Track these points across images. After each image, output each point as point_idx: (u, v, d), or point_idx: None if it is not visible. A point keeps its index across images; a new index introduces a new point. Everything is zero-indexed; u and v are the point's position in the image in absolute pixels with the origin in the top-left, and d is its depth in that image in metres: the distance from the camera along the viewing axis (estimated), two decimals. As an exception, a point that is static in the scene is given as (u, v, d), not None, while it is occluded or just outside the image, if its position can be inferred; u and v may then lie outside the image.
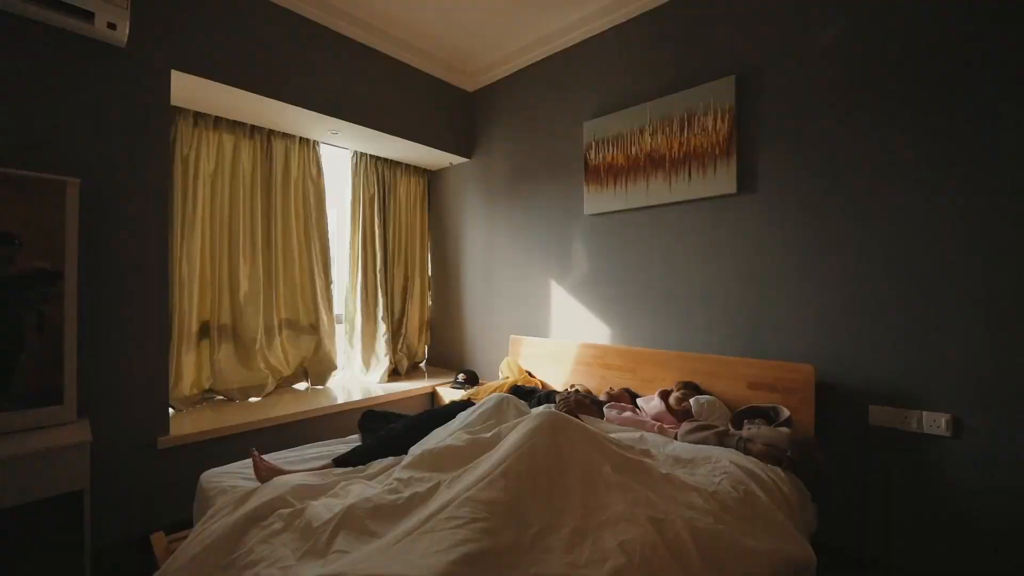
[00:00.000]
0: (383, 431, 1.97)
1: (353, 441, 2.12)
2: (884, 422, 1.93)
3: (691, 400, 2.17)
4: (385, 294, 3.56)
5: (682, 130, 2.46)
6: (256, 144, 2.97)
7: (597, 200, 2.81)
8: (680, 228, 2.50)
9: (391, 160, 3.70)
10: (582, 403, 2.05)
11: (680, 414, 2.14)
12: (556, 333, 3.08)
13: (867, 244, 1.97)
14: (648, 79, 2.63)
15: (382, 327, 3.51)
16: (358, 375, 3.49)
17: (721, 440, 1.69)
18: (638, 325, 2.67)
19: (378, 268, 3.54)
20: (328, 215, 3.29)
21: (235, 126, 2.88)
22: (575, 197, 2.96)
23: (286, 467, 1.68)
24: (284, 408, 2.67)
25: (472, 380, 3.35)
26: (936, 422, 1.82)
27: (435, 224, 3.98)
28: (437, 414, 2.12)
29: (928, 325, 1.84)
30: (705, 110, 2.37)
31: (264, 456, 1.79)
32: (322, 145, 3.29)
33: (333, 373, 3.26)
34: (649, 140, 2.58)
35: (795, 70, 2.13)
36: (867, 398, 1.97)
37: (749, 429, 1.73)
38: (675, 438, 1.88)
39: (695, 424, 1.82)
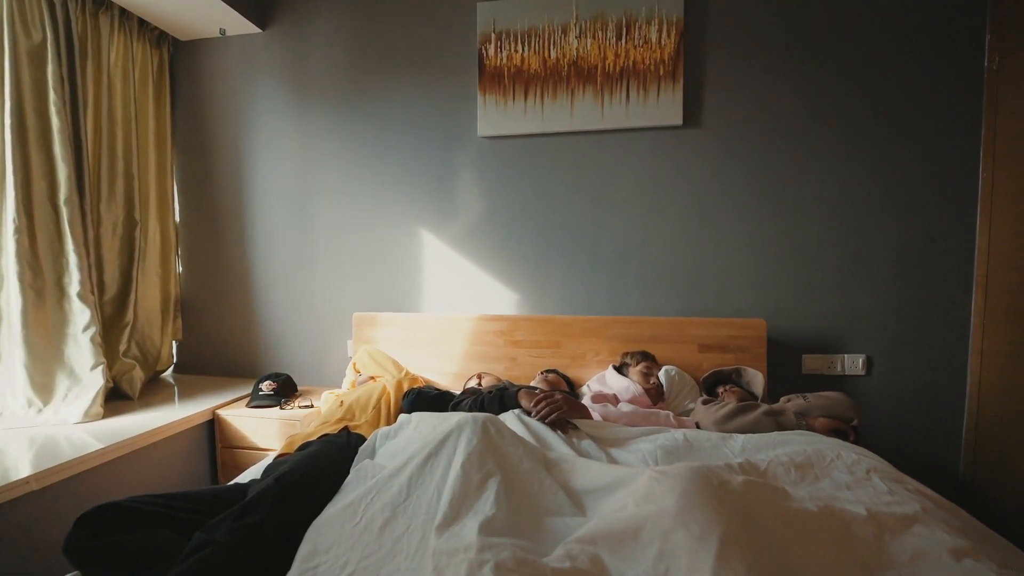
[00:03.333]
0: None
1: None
2: (814, 369, 1.94)
3: (660, 373, 1.74)
4: (85, 249, 1.83)
5: (619, 38, 1.94)
6: None
7: (498, 117, 2.04)
8: (613, 163, 2.01)
9: (85, -10, 1.91)
10: (573, 401, 1.32)
11: (652, 393, 1.68)
12: (432, 305, 2.18)
13: (801, 195, 1.91)
14: (574, -39, 2.00)
15: (81, 312, 1.80)
16: (22, 416, 1.70)
17: (777, 420, 1.30)
18: (557, 287, 2.07)
19: (63, 197, 1.78)
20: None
21: None
22: (463, 110, 2.09)
23: None
24: None
25: (287, 389, 2.08)
26: (855, 363, 1.92)
27: (188, 132, 2.34)
28: (302, 480, 1.01)
29: (850, 274, 1.90)
30: (648, 17, 1.91)
31: None
32: None
33: (-57, 420, 1.45)
34: (575, 44, 1.97)
35: (743, -8, 1.90)
36: (801, 347, 1.94)
37: (790, 400, 1.40)
38: (696, 427, 1.39)
39: (733, 406, 1.37)
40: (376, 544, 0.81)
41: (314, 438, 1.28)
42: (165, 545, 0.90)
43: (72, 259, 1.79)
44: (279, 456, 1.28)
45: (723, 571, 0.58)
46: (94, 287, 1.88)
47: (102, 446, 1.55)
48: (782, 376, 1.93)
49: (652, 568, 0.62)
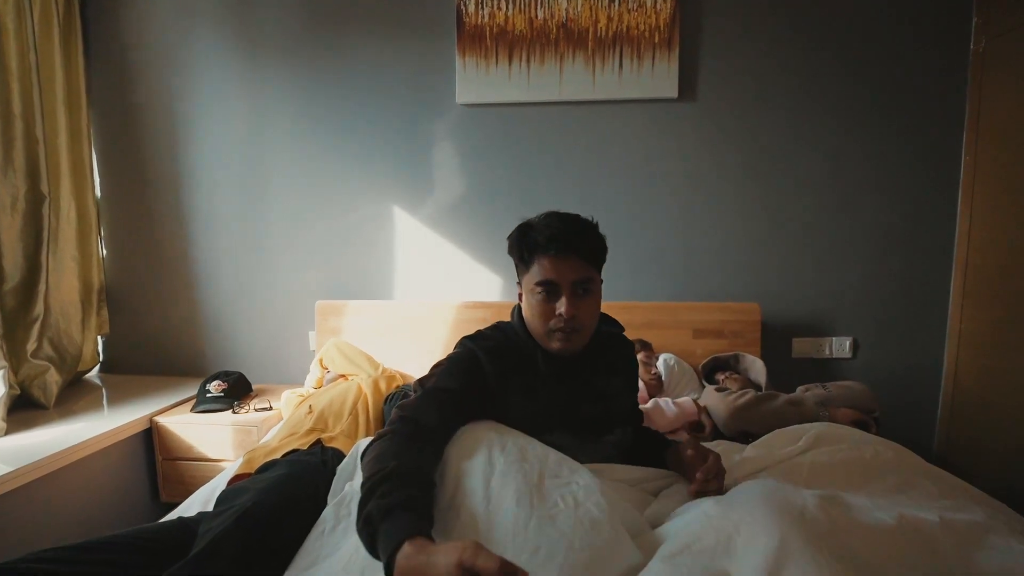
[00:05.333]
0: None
1: None
2: (803, 353, 1.92)
3: (658, 363, 1.64)
4: (-27, 228, 1.49)
5: (612, -1, 1.78)
6: None
7: (479, 82, 1.84)
8: (604, 137, 1.87)
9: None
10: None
11: (652, 386, 1.58)
12: (407, 292, 1.97)
13: (793, 174, 1.85)
14: (564, -91, 1.80)
15: (-29, 306, 1.47)
16: None
17: (799, 410, 1.22)
18: (544, 271, 1.92)
19: (-61, 162, 1.42)
20: None
21: None
22: (439, 73, 1.87)
23: None
24: None
25: (239, 389, 1.82)
26: (842, 346, 1.91)
27: (108, 90, 1.97)
28: (270, 518, 0.82)
29: (837, 255, 1.88)
30: (643, -22, 1.76)
31: None
32: None
33: None
34: (565, 3, 1.79)
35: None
36: (791, 331, 1.91)
37: (808, 390, 1.33)
38: (705, 411, 1.30)
39: (753, 395, 1.29)
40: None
41: (279, 454, 1.07)
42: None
43: (-44, 240, 1.44)
44: (235, 479, 1.07)
45: None
46: (-11, 274, 1.54)
47: (8, 469, 1.27)
48: (773, 360, 1.86)
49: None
